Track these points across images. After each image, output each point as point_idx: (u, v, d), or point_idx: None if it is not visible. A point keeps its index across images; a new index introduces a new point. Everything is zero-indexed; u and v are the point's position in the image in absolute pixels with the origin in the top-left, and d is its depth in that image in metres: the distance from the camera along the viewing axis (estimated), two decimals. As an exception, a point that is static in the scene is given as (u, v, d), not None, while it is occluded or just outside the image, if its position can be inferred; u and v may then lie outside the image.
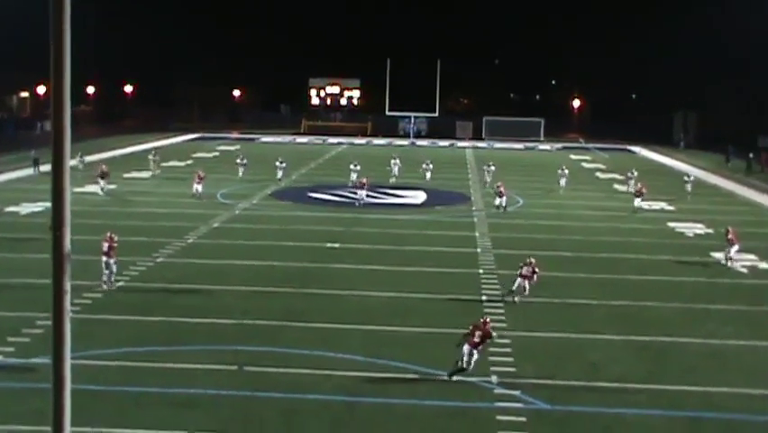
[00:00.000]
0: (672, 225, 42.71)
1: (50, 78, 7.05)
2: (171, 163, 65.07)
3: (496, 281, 30.00)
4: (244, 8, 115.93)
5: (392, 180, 56.31)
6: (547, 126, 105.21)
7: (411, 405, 18.72)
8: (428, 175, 58.00)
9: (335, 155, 79.85)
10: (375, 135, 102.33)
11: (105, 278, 27.41)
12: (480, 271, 31.81)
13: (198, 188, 47.13)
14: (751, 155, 72.19)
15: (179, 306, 25.82)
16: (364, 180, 47.77)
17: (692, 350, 23.25)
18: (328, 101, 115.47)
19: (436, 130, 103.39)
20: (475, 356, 20.04)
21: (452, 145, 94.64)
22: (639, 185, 49.43)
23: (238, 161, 58.09)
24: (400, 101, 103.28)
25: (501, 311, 26.13)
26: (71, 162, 7.33)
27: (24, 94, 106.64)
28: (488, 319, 21.10)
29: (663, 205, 48.76)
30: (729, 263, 33.27)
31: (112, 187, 49.41)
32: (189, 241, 35.88)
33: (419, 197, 50.81)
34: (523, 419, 18.03)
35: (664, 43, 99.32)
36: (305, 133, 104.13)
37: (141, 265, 30.57)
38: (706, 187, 59.67)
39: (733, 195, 56.67)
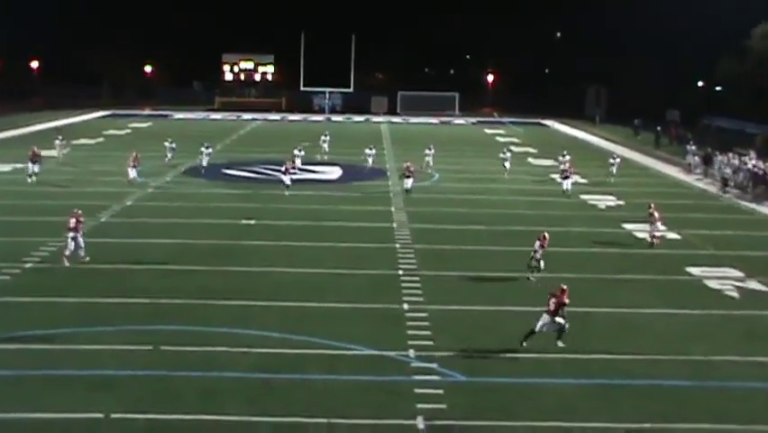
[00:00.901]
0: (584, 197, 43.46)
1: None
2: (82, 141, 63.84)
3: (412, 255, 30.20)
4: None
5: (325, 157, 55.81)
6: (462, 101, 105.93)
7: (328, 380, 18.79)
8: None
9: (250, 131, 79.27)
10: (290, 111, 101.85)
11: (68, 253, 27.75)
12: (397, 245, 31.97)
13: (133, 173, 44.65)
14: (658, 128, 73.86)
15: (93, 287, 25.42)
16: (289, 165, 45.17)
17: (604, 320, 23.79)
18: (242, 77, 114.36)
19: (351, 105, 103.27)
20: (555, 323, 20.61)
21: (367, 120, 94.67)
22: (568, 165, 47.71)
23: (167, 144, 54.03)
24: (315, 77, 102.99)
25: (418, 285, 26.34)
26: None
27: None
28: (565, 288, 21.21)
29: (577, 178, 49.52)
30: (655, 240, 32.95)
31: (21, 166, 47.77)
32: (102, 220, 35.30)
33: (335, 172, 50.77)
34: (440, 391, 18.24)
35: (576, 19, 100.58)
36: (218, 110, 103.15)
37: (52, 246, 29.91)
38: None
39: (642, 167, 57.86)
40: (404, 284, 26.45)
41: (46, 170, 46.90)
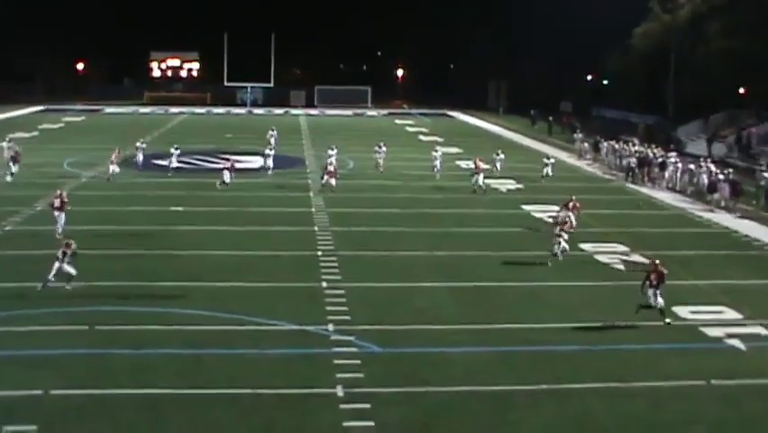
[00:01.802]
0: (487, 181, 43.83)
1: None
2: (18, 135, 62.03)
3: (330, 238, 30.20)
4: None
5: (272, 152, 48.28)
6: (374, 94, 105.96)
7: (254, 354, 18.72)
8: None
9: (177, 124, 78.17)
10: (215, 105, 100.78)
11: (60, 229, 28.61)
12: (316, 228, 31.93)
13: (115, 169, 41.63)
14: (551, 118, 75.37)
15: (29, 271, 24.78)
16: (230, 164, 42.30)
17: (506, 292, 24.13)
18: (169, 73, 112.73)
19: (272, 99, 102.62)
20: (659, 298, 20.82)
21: (286, 113, 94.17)
22: (479, 162, 43.31)
23: (138, 144, 48.07)
24: (238, 73, 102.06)
25: (335, 265, 26.37)
26: None
27: None
28: (657, 261, 21.39)
29: (481, 164, 49.84)
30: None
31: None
32: (39, 209, 34.44)
33: (257, 161, 50.30)
34: (357, 361, 18.31)
35: (478, 17, 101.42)
36: (147, 104, 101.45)
37: (-11, 233, 29.18)
38: (516, 147, 61.90)
39: (538, 153, 58.67)
40: (322, 264, 26.44)
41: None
